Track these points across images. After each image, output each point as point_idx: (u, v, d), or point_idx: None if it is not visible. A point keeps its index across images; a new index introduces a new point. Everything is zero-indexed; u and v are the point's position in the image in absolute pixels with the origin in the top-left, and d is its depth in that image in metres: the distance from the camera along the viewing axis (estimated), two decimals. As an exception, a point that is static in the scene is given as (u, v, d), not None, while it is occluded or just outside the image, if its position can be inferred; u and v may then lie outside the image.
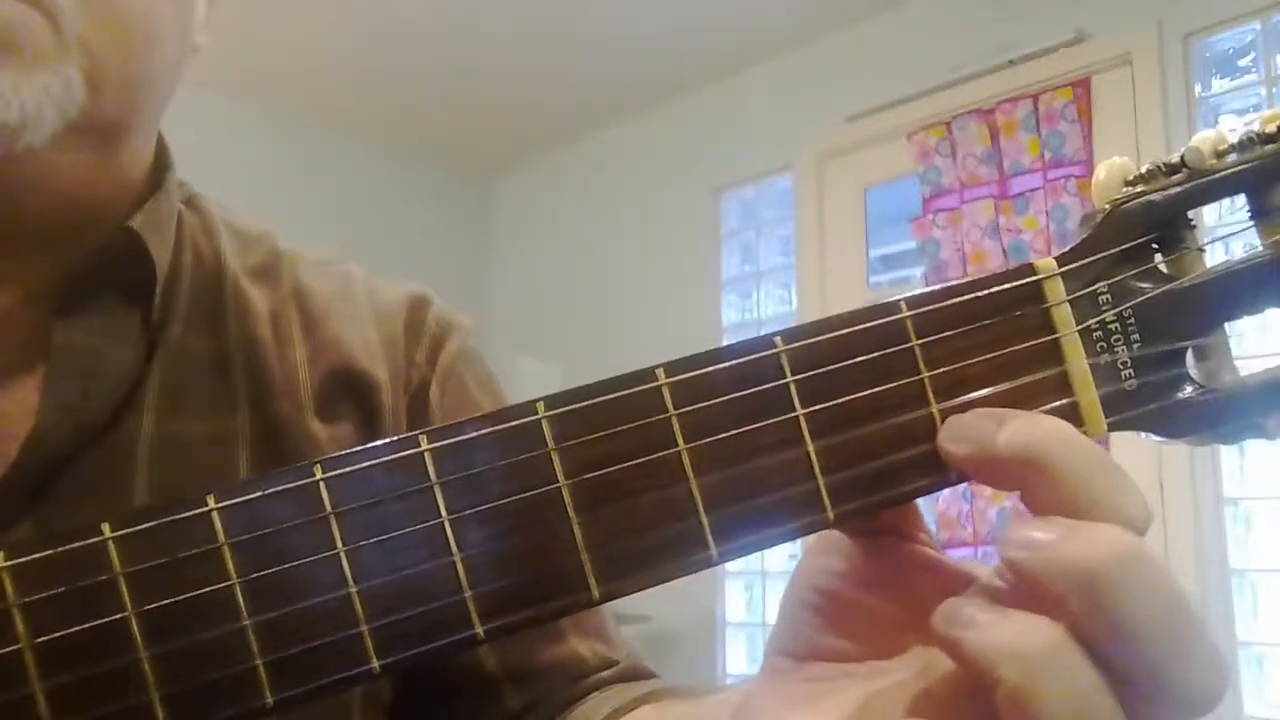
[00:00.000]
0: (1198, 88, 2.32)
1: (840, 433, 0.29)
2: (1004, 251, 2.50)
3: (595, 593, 0.27)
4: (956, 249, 2.58)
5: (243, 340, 0.47)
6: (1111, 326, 0.30)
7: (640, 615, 2.68)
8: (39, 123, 0.37)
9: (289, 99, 3.19)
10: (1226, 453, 2.19)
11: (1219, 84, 2.32)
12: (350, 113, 3.39)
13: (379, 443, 0.28)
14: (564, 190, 3.67)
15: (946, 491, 2.50)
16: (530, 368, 3.13)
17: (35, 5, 0.37)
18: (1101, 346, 0.30)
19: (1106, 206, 0.31)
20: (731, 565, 2.98)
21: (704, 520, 0.28)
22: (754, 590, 2.98)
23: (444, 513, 0.27)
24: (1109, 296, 0.30)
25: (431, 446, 0.27)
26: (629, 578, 0.28)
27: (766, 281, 3.10)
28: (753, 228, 3.16)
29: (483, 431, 0.28)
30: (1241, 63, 2.30)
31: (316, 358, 0.48)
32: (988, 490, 2.44)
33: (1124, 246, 0.30)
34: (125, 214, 0.44)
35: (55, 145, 0.39)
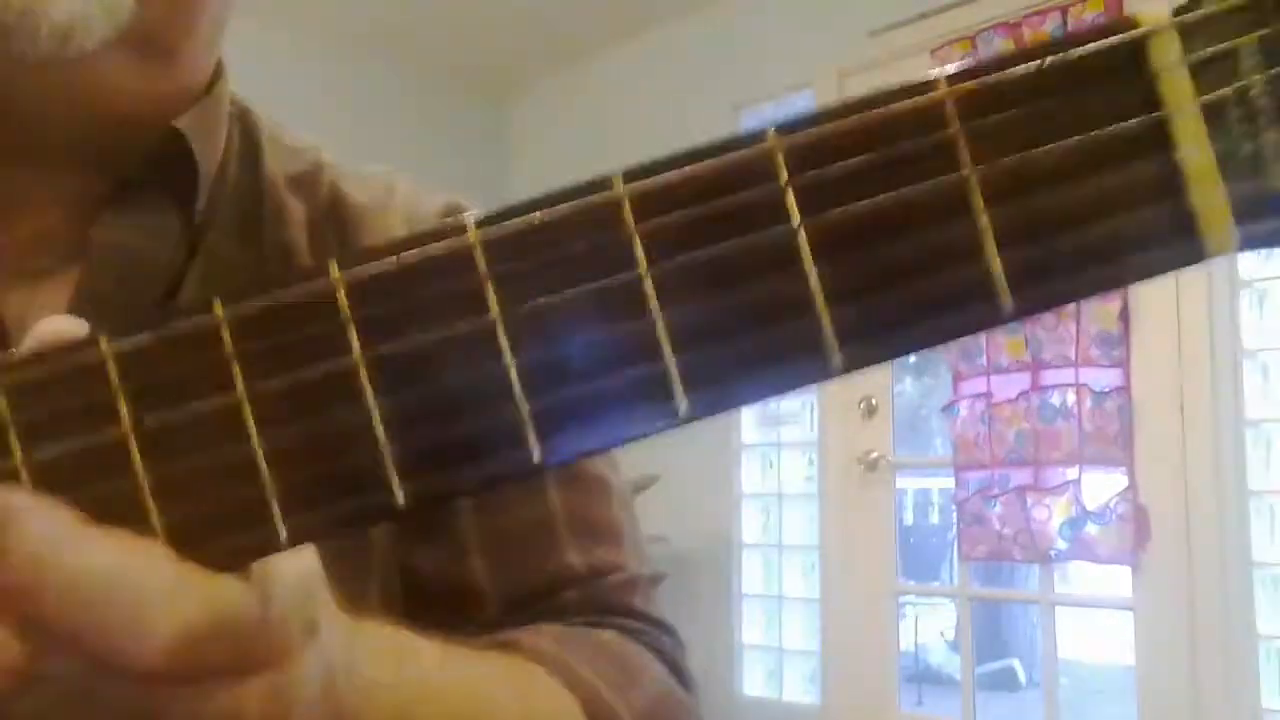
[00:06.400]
0: (1234, -2, 2.24)
1: (850, 252, 0.22)
2: (1028, 170, 2.46)
3: (683, 404, 0.23)
4: (979, 167, 2.54)
5: (278, 248, 0.47)
6: (1259, 100, 0.21)
7: (657, 536, 2.70)
8: (87, 24, 0.37)
9: (304, 20, 3.14)
10: (1249, 373, 2.17)
11: (1256, -6, 2.24)
12: (365, 34, 3.34)
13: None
14: (582, 108, 3.61)
15: (964, 413, 2.49)
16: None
17: None
18: (1242, 129, 0.21)
19: None
20: (748, 487, 2.99)
21: (825, 321, 0.22)
22: (770, 512, 3.00)
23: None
24: (1259, 57, 0.21)
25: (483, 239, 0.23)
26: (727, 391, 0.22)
27: (785, 202, 3.05)
28: (772, 147, 3.10)
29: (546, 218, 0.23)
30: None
31: None
32: (1006, 412, 2.43)
33: None
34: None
35: (108, 53, 0.39)
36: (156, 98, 0.43)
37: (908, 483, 4.31)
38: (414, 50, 3.47)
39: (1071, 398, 2.35)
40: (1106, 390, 2.31)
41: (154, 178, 0.44)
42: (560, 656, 0.42)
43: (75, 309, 0.41)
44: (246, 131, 0.50)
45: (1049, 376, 2.40)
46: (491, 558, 0.48)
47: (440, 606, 0.47)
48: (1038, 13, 2.45)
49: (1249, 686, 2.09)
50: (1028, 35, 2.46)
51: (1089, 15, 2.38)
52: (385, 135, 3.31)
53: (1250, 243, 0.22)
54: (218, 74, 0.48)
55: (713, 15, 3.19)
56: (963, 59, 2.72)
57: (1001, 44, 2.50)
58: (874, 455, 2.71)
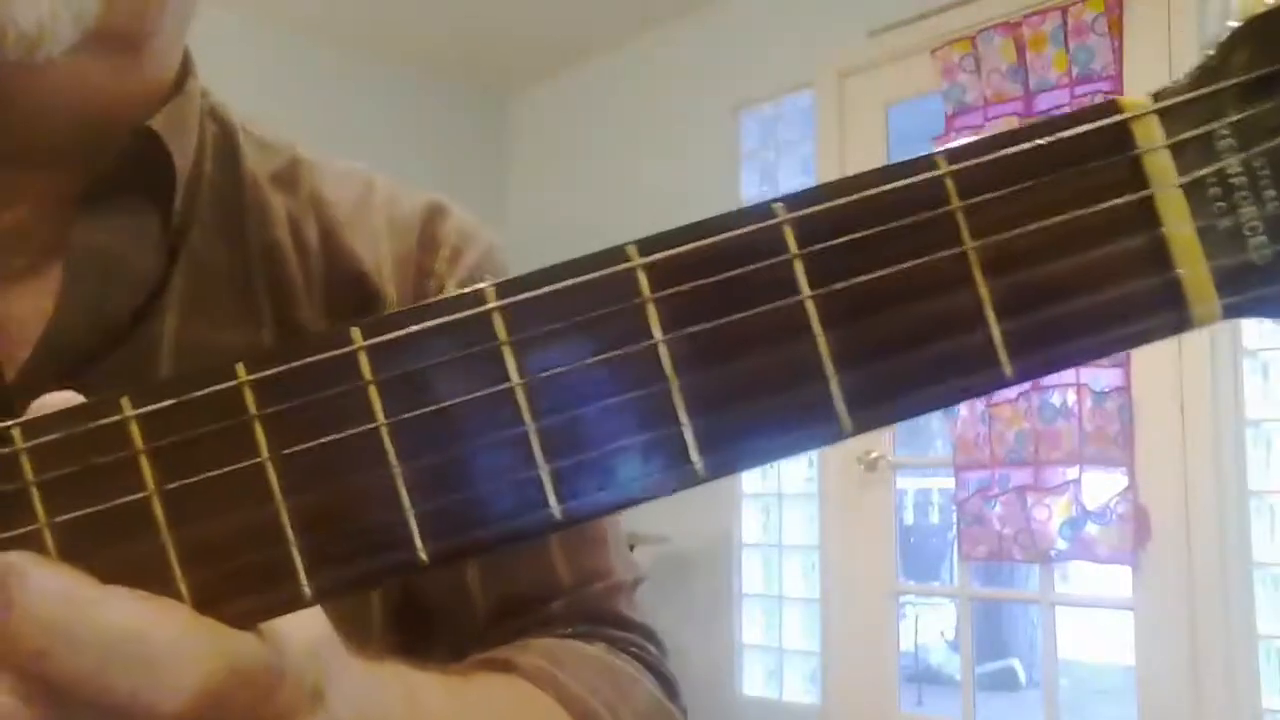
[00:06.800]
0: (1233, -1, 2.24)
1: (857, 321, 0.23)
2: (1028, 171, 2.46)
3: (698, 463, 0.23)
4: (979, 168, 2.54)
5: (263, 247, 0.47)
6: (1234, 179, 0.23)
7: (658, 536, 2.71)
8: (54, 31, 0.37)
9: (303, 18, 3.14)
10: (1250, 373, 2.17)
11: (1256, -5, 2.24)
12: (364, 34, 3.33)
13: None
14: (581, 109, 3.61)
15: (964, 414, 2.49)
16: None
17: None
18: (1220, 206, 0.23)
19: (1241, 20, 0.23)
20: (748, 487, 3.00)
21: (834, 386, 0.23)
22: (771, 512, 3.00)
23: (514, 377, 0.23)
24: (1232, 140, 0.23)
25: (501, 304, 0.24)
26: (737, 448, 0.23)
27: (785, 202, 3.05)
28: (772, 147, 3.10)
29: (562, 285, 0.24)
30: (1280, -28, 2.22)
31: (331, 270, 0.48)
32: (1007, 412, 2.43)
33: (1261, 73, 0.23)
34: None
35: (75, 55, 0.39)
36: (125, 93, 0.43)
37: (908, 483, 4.31)
38: (413, 50, 3.47)
39: (1072, 397, 2.35)
40: (1106, 390, 2.32)
41: (129, 178, 0.43)
42: (555, 676, 0.43)
43: (63, 314, 0.41)
44: (222, 128, 0.50)
45: (1049, 376, 2.40)
46: (483, 561, 0.48)
47: (432, 611, 0.48)
48: (1037, 13, 2.45)
49: (1249, 686, 2.10)
50: (1027, 35, 2.46)
51: (1089, 15, 2.38)
52: (385, 134, 3.31)
53: (1232, 311, 0.23)
54: (187, 71, 0.48)
55: (712, 15, 3.18)
56: (962, 59, 2.72)
57: (1001, 43, 2.50)
58: (874, 455, 2.71)
